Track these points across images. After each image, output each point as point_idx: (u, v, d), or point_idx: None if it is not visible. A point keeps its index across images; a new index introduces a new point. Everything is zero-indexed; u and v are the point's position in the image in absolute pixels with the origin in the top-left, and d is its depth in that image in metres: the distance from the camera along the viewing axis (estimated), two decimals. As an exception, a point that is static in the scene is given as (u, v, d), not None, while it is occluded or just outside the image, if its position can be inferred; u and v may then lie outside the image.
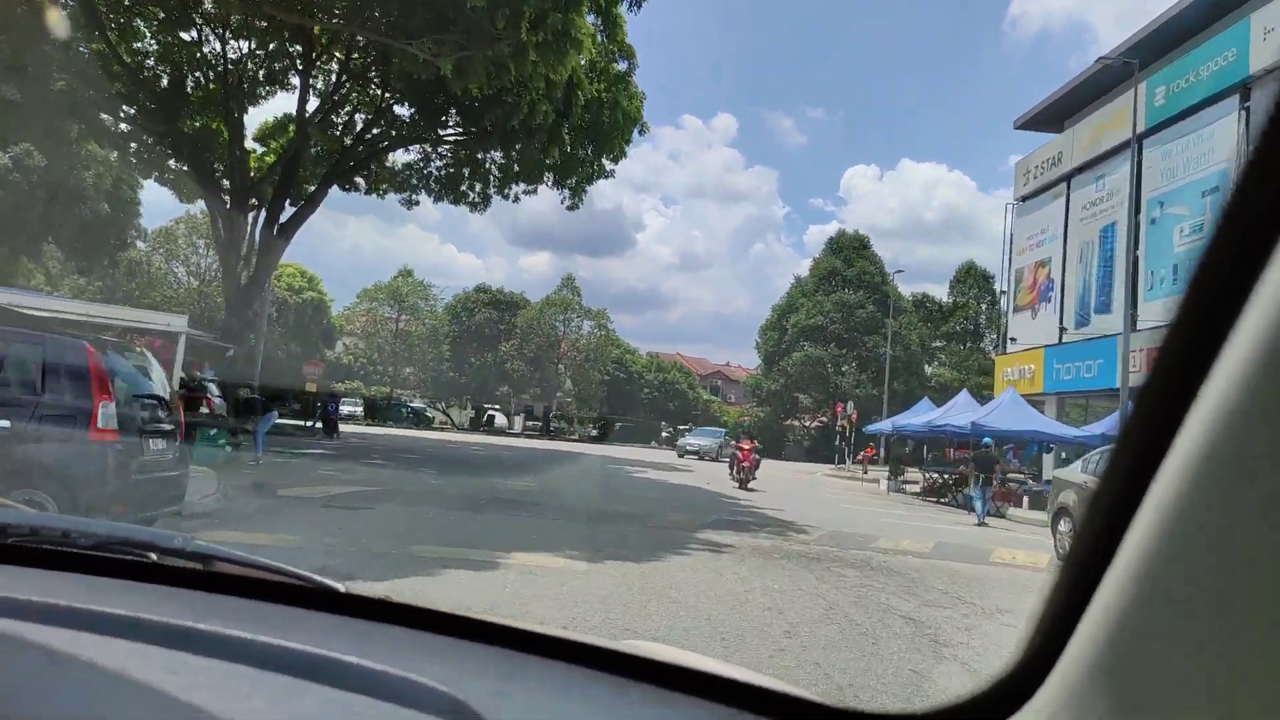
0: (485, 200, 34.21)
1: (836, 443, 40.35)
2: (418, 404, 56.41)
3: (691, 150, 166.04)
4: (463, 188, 34.11)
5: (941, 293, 64.63)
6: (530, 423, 63.04)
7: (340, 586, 1.07)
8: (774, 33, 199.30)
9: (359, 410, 52.44)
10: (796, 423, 64.07)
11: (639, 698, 0.85)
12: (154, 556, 1.14)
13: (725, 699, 0.84)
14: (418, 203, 35.74)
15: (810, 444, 61.79)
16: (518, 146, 28.00)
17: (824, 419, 63.27)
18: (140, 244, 44.16)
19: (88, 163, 40.43)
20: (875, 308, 56.36)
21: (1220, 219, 0.47)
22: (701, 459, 36.91)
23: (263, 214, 28.14)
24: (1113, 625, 0.53)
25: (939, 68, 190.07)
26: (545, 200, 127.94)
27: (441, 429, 52.18)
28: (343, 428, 42.56)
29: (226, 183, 27.95)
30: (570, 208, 31.09)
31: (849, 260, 59.10)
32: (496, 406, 60.16)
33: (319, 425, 28.00)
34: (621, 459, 29.42)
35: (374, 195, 35.84)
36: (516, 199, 33.90)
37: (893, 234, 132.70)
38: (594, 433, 57.81)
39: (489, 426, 55.40)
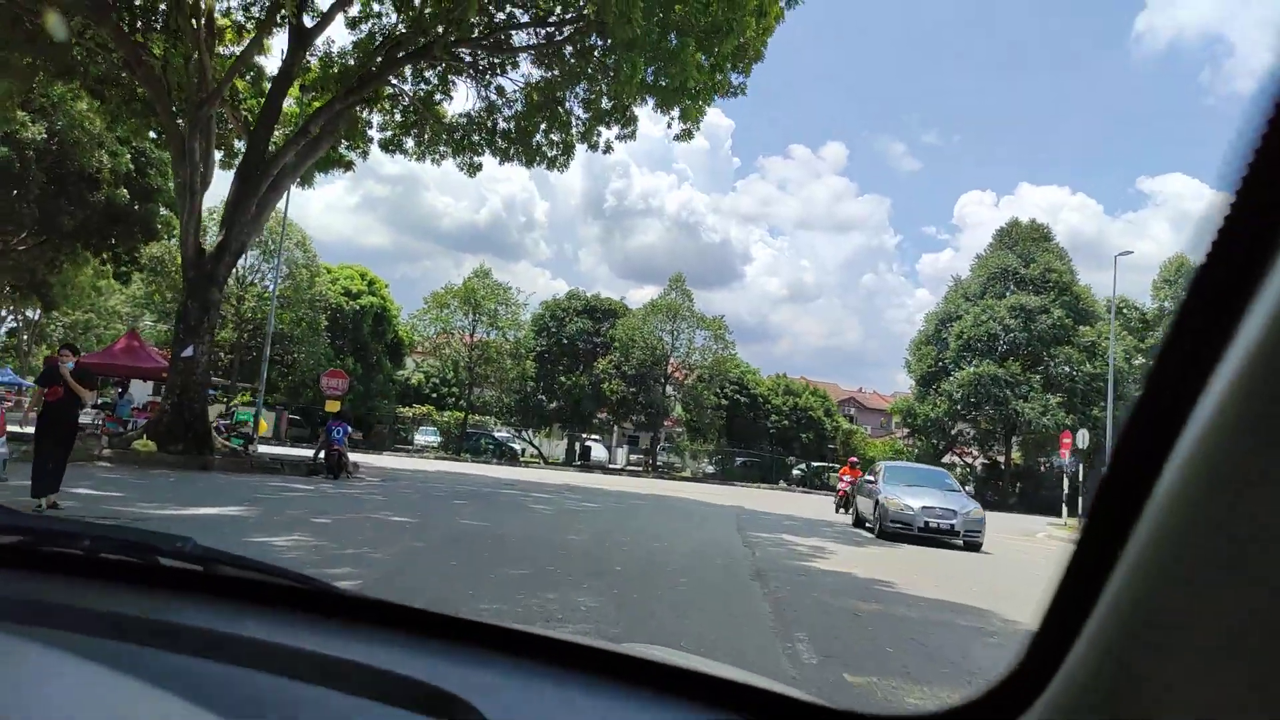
0: (567, 151, 25.17)
1: (1066, 487, 29.07)
2: (502, 433, 47.87)
3: (800, 179, 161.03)
4: (536, 139, 25.30)
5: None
6: (634, 456, 53.70)
7: (341, 589, 1.06)
8: (886, 57, 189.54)
9: (435, 440, 44.24)
10: (957, 459, 52.45)
11: (640, 702, 0.85)
12: (155, 558, 1.12)
13: (725, 702, 0.84)
14: (479, 166, 27.11)
15: (976, 485, 50.09)
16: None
17: (993, 454, 51.58)
18: (170, 239, 37.15)
19: (100, 140, 33.66)
20: (1064, 312, 44.62)
21: (1223, 218, 0.46)
22: (944, 531, 14.81)
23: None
24: (1116, 630, 0.52)
25: (1060, 87, 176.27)
26: (655, 232, 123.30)
27: (530, 464, 43.32)
28: (410, 464, 34.23)
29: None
30: (679, 137, 21.56)
31: (1027, 255, 47.43)
32: (595, 437, 51.03)
33: (321, 458, 19.20)
34: (765, 517, 19.38)
35: (427, 160, 27.44)
36: (608, 148, 24.65)
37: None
38: (709, 469, 47.91)
39: (585, 461, 46.29)
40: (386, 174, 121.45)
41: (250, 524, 9.53)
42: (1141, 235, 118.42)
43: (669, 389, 45.66)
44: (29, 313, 63.36)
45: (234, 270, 39.18)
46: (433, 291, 41.04)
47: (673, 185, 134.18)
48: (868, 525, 16.86)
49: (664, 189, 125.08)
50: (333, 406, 24.63)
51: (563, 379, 44.30)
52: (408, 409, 43.37)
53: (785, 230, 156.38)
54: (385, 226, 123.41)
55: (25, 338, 66.33)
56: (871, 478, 17.33)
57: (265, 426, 27.67)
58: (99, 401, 18.47)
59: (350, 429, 20.67)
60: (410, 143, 27.08)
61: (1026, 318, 44.70)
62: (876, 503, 15.91)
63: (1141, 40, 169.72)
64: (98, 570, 1.13)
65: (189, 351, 18.32)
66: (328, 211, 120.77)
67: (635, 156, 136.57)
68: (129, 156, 35.77)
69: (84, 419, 25.33)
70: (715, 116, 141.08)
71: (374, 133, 27.21)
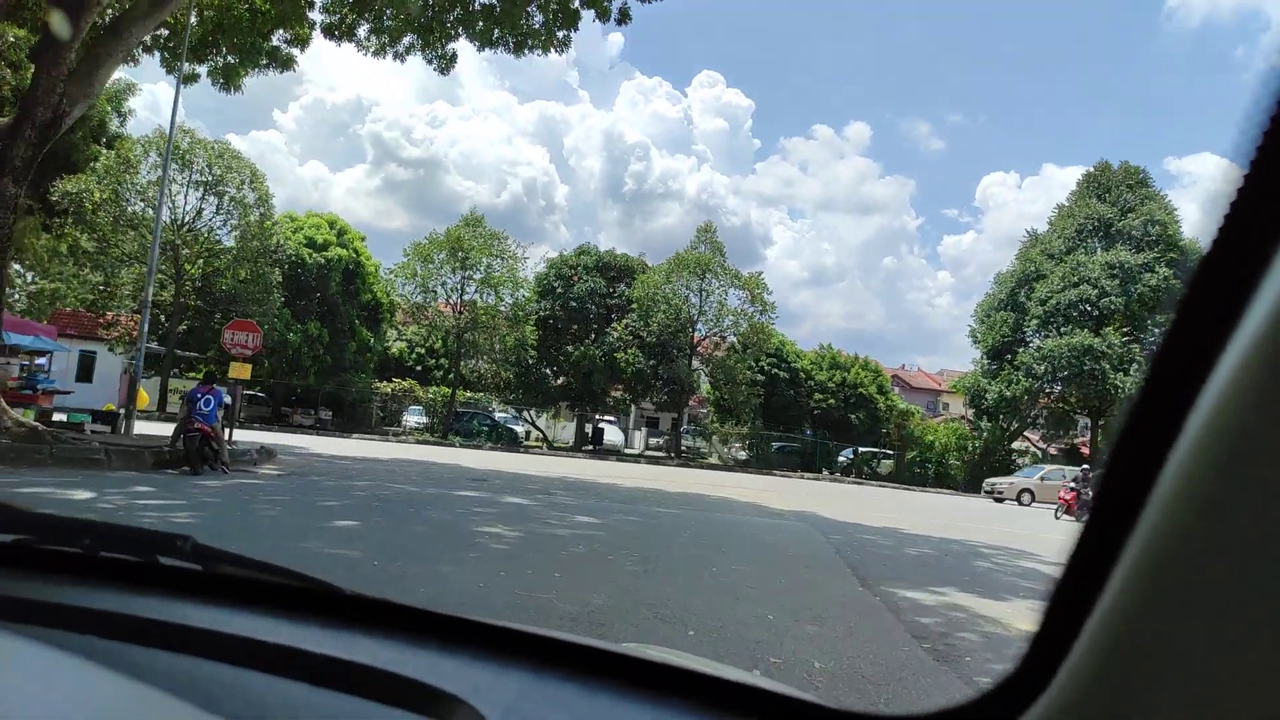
0: (567, 22, 18.45)
1: None
2: (502, 414, 41.14)
3: (823, 160, 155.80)
4: (529, 9, 18.43)
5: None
6: (654, 440, 46.87)
7: (344, 589, 1.05)
8: (912, 35, 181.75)
9: (420, 420, 37.57)
10: (1030, 446, 45.22)
11: (639, 702, 0.84)
12: (154, 557, 1.11)
13: (724, 703, 0.83)
14: (452, 58, 20.44)
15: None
16: None
17: (1071, 438, 44.40)
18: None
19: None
20: (1170, 271, 37.19)
21: (1226, 213, 0.46)
22: None
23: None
24: (1117, 628, 0.52)
25: (1087, 65, 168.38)
26: (674, 215, 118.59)
27: (532, 449, 36.60)
28: (375, 449, 27.55)
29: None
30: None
31: (1123, 204, 39.91)
32: (609, 418, 44.18)
33: (180, 444, 12.44)
34: (872, 538, 12.53)
35: (388, 55, 20.64)
36: (623, 16, 17.89)
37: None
38: (742, 456, 40.98)
39: (597, 445, 39.46)
40: (407, 157, 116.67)
41: None
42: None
43: (695, 362, 38.62)
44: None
45: (173, 213, 32.51)
46: (413, 242, 33.97)
47: (692, 168, 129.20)
48: None
49: (684, 171, 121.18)
50: (240, 371, 17.83)
51: (570, 349, 37.33)
52: (386, 384, 36.55)
53: (806, 212, 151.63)
54: (406, 211, 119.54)
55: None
56: None
57: (146, 399, 21.02)
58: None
59: (226, 397, 13.89)
60: (364, 30, 20.20)
61: (1125, 277, 37.29)
62: None
63: (1174, 16, 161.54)
64: (96, 569, 1.10)
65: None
66: (348, 195, 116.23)
67: (654, 139, 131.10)
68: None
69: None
70: (735, 96, 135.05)
71: (316, 15, 20.43)
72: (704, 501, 16.07)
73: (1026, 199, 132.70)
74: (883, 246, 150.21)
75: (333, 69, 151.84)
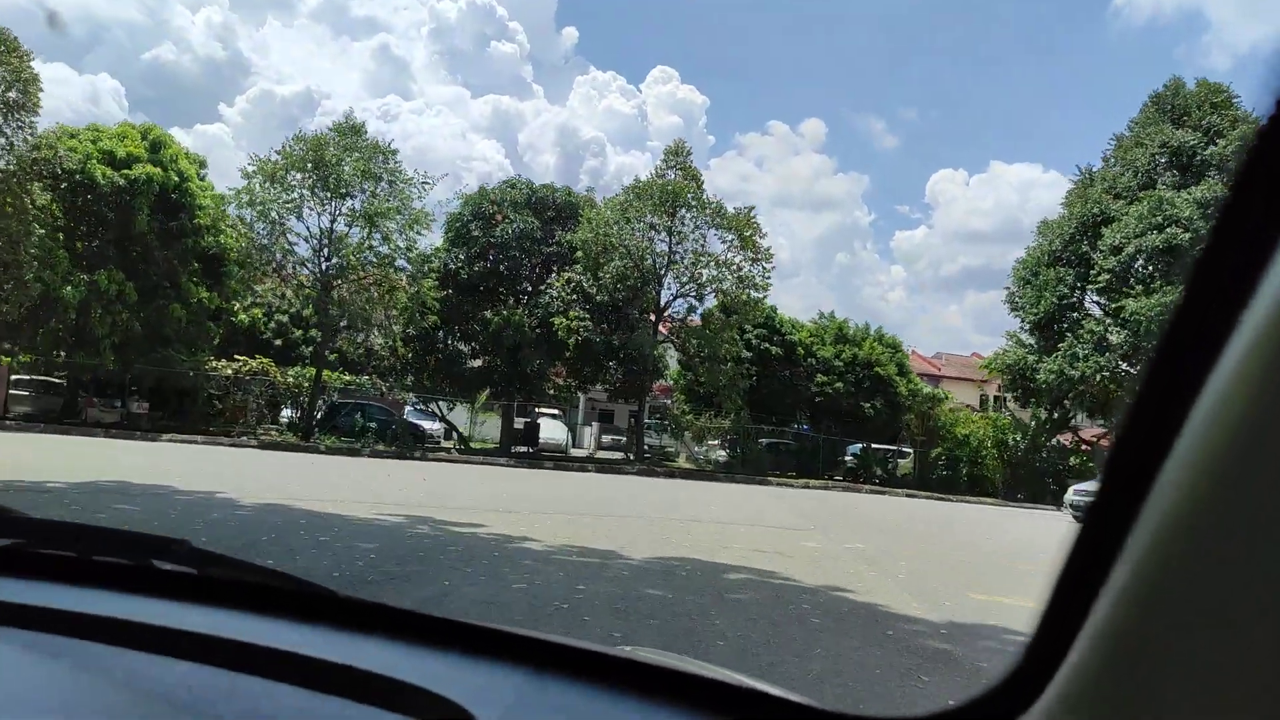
0: None
1: None
2: (410, 405, 30.93)
3: (778, 156, 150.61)
4: None
5: None
6: (609, 437, 36.91)
7: (337, 592, 1.04)
8: (868, 30, 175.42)
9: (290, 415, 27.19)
10: (1080, 439, 36.37)
11: (634, 705, 0.84)
12: (149, 561, 1.09)
13: (720, 706, 0.83)
14: None
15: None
16: None
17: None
18: None
19: None
20: None
21: (1222, 215, 0.46)
22: None
23: None
24: (1114, 630, 0.52)
25: (1034, 63, 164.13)
26: None
27: (439, 454, 26.56)
28: (173, 461, 17.00)
29: None
30: None
31: (1209, 129, 31.03)
32: (551, 411, 34.08)
33: None
34: None
35: None
36: None
37: (988, 238, 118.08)
38: (721, 456, 31.33)
39: (532, 446, 29.37)
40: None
41: None
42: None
43: (662, 332, 28.79)
44: None
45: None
46: (254, 155, 23.47)
47: (647, 163, 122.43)
48: None
49: (639, 167, 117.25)
50: None
51: (490, 315, 27.18)
52: (227, 364, 25.98)
53: (761, 209, 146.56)
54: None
55: None
56: None
57: None
58: None
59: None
60: None
61: (1223, 217, 28.40)
62: None
63: (1120, 14, 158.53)
64: (91, 573, 1.09)
65: None
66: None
67: (609, 135, 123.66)
68: None
69: None
70: (689, 92, 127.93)
71: None
72: (727, 591, 6.26)
73: (975, 195, 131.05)
74: (837, 242, 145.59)
75: (281, 60, 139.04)
